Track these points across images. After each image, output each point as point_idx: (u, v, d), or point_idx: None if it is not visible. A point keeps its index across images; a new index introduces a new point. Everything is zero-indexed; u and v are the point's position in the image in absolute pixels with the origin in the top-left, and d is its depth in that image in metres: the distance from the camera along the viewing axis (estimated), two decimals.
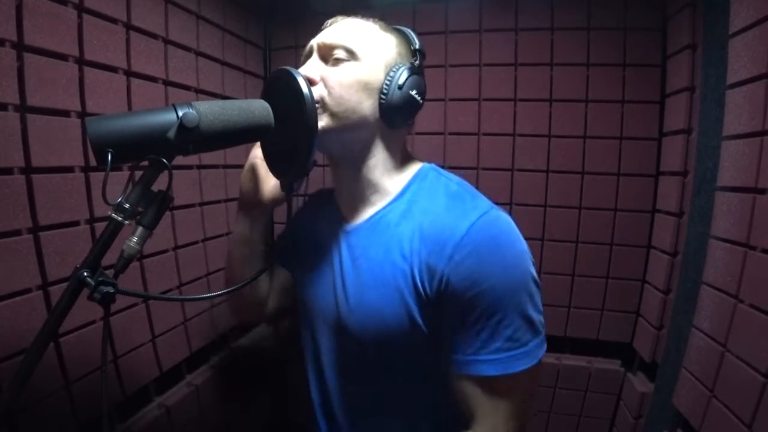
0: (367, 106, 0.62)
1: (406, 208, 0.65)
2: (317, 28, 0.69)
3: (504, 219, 0.60)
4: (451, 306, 0.57)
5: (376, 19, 0.67)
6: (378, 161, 0.67)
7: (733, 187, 0.87)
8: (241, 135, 0.57)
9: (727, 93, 0.90)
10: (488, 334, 0.56)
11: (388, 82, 0.62)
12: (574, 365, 1.38)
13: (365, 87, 0.62)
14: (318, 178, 1.51)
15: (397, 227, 0.63)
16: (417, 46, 0.67)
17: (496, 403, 0.58)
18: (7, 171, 0.72)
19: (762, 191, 0.79)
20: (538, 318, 0.59)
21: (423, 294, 0.59)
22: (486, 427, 0.59)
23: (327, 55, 0.64)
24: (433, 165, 0.71)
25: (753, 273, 0.80)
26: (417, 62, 0.65)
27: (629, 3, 1.22)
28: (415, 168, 0.70)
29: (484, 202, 0.62)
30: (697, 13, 1.07)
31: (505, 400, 0.58)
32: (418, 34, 0.69)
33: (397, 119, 0.64)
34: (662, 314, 1.18)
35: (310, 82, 0.61)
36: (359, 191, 0.68)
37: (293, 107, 0.58)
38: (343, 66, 0.62)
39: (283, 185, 0.67)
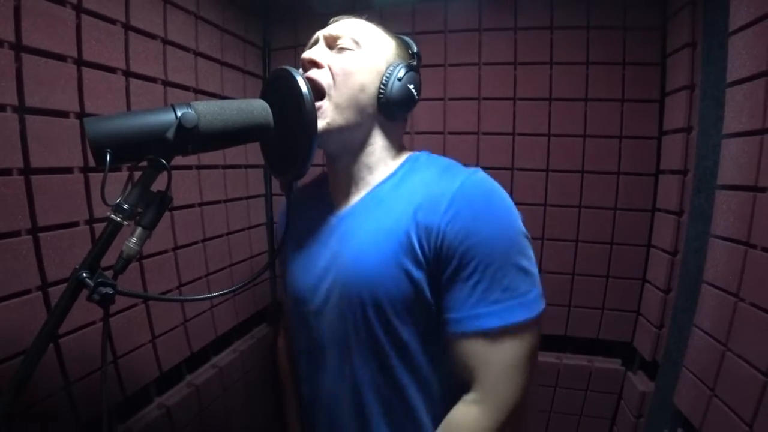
0: (367, 96, 0.65)
1: (398, 183, 0.68)
2: (317, 29, 0.71)
3: (491, 179, 0.64)
4: (449, 261, 0.59)
5: (378, 24, 0.71)
6: (375, 149, 0.70)
7: (733, 186, 0.87)
8: (241, 135, 0.57)
9: (726, 91, 0.90)
10: (485, 286, 0.58)
11: (387, 75, 0.65)
12: (575, 364, 1.38)
13: (367, 75, 0.65)
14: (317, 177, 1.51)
15: (390, 199, 0.66)
16: (415, 50, 0.71)
17: (498, 358, 0.58)
18: (6, 172, 0.72)
19: (762, 190, 0.79)
20: (532, 269, 0.61)
21: (421, 256, 0.60)
22: (489, 384, 0.59)
23: (332, 44, 0.67)
24: (425, 151, 0.74)
25: (753, 271, 0.80)
26: (414, 63, 0.69)
27: (629, 2, 1.22)
28: (408, 154, 0.73)
29: (474, 168, 0.65)
30: (697, 11, 1.07)
31: (507, 355, 0.58)
32: (418, 34, 0.71)
33: (395, 111, 0.67)
34: (663, 313, 1.18)
35: (316, 65, 0.64)
36: (355, 174, 0.70)
37: (293, 107, 0.58)
38: (347, 53, 0.65)
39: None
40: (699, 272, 0.98)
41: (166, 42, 1.06)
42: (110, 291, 0.47)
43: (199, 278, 1.21)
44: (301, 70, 0.66)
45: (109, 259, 0.49)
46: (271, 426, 1.57)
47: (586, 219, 1.32)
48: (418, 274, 0.61)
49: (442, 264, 0.59)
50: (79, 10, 0.83)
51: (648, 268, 1.29)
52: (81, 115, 0.84)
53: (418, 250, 0.60)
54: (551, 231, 1.34)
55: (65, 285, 0.48)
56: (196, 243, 1.19)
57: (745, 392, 0.78)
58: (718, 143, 0.93)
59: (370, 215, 0.67)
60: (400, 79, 0.65)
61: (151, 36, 1.02)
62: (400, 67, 0.65)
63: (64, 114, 0.81)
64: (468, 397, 0.61)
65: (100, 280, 0.47)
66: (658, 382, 1.17)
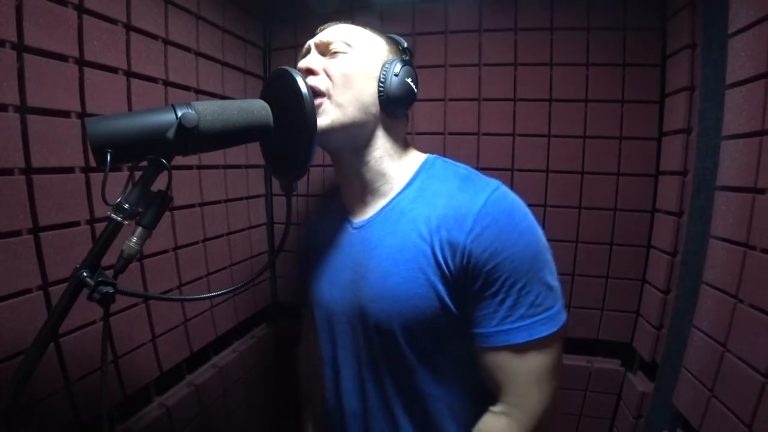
0: (368, 95, 0.65)
1: (418, 194, 0.67)
2: (317, 28, 0.71)
3: (513, 194, 0.64)
4: (475, 279, 0.59)
5: (371, 26, 0.71)
6: (383, 152, 0.69)
7: (733, 187, 0.87)
8: (241, 135, 0.57)
9: (726, 93, 0.90)
10: (512, 302, 0.58)
11: (384, 73, 0.65)
12: (574, 365, 1.38)
13: (365, 75, 0.65)
14: (318, 179, 1.51)
15: (411, 212, 0.66)
16: (405, 45, 0.72)
17: (525, 370, 0.60)
18: (8, 171, 0.73)
19: (761, 191, 0.79)
20: (556, 284, 0.62)
21: (447, 271, 0.61)
22: (516, 395, 0.60)
23: (325, 50, 0.67)
24: (437, 155, 0.74)
25: (753, 273, 0.80)
26: (407, 58, 0.70)
27: (629, 3, 1.22)
28: (420, 158, 0.73)
29: (493, 180, 0.66)
30: (697, 12, 1.07)
31: (534, 367, 0.60)
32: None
33: (396, 108, 0.67)
34: (662, 314, 1.18)
35: (312, 72, 0.64)
36: (368, 183, 0.70)
37: (293, 107, 0.58)
38: (342, 57, 0.65)
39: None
40: (698, 273, 0.98)
41: (167, 42, 1.06)
42: (110, 290, 0.47)
43: (200, 278, 1.21)
44: None
45: (110, 258, 0.49)
46: (272, 426, 1.57)
47: (586, 220, 1.32)
48: (443, 289, 0.61)
49: (468, 280, 0.60)
50: (80, 10, 0.83)
51: (647, 269, 1.29)
52: (82, 115, 0.84)
53: (443, 265, 0.61)
54: (551, 232, 1.34)
55: (66, 284, 0.49)
56: (196, 243, 1.20)
57: (744, 393, 0.78)
58: (718, 144, 0.93)
59: (393, 229, 0.66)
60: (397, 75, 0.65)
61: (153, 36, 1.02)
62: (395, 63, 0.66)
63: (65, 114, 0.81)
64: (496, 408, 0.62)
65: (100, 279, 0.48)
66: (658, 382, 1.17)
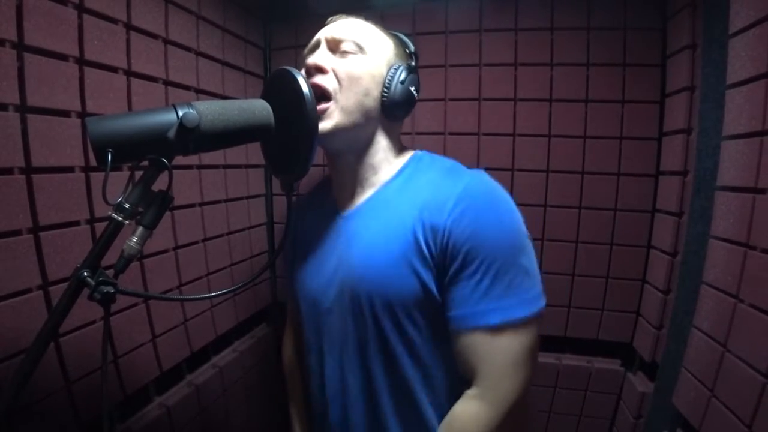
0: (372, 99, 0.66)
1: (404, 185, 0.69)
2: (317, 28, 0.71)
3: (494, 181, 0.65)
4: (453, 259, 0.60)
5: (376, 23, 0.72)
6: (379, 149, 0.71)
7: (733, 187, 0.87)
8: (242, 135, 0.57)
9: (726, 93, 0.90)
10: (488, 283, 0.59)
11: (390, 78, 0.66)
12: (574, 365, 1.38)
13: (371, 80, 0.65)
14: (318, 178, 1.51)
15: (396, 200, 0.67)
16: (412, 50, 0.72)
17: (498, 353, 0.60)
18: (8, 171, 0.73)
19: (762, 191, 0.79)
20: (533, 269, 0.62)
21: (429, 256, 0.62)
22: (489, 380, 0.60)
23: (335, 48, 0.67)
24: (426, 150, 0.75)
25: (753, 273, 0.80)
26: (413, 63, 0.70)
27: (629, 3, 1.22)
28: (410, 153, 0.75)
29: (477, 170, 0.67)
30: (697, 13, 1.07)
31: (508, 350, 0.59)
32: (418, 34, 0.72)
33: (397, 113, 0.68)
34: (662, 314, 1.18)
35: (321, 71, 0.65)
36: (360, 175, 0.71)
37: (294, 107, 0.58)
38: (351, 57, 0.66)
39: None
40: (698, 273, 0.98)
41: (167, 42, 1.06)
42: (111, 290, 0.47)
43: (200, 278, 1.21)
44: (304, 72, 0.66)
45: (110, 258, 0.49)
46: (271, 426, 1.57)
47: (586, 220, 1.32)
48: (426, 274, 0.62)
49: (447, 262, 0.61)
50: (81, 9, 0.83)
51: (648, 269, 1.29)
52: (82, 115, 0.84)
53: (425, 250, 0.62)
54: (551, 232, 1.35)
55: (66, 284, 0.49)
56: (196, 243, 1.20)
57: (744, 393, 0.78)
58: (718, 145, 0.93)
59: (377, 216, 0.68)
60: (402, 82, 0.66)
61: (153, 36, 1.02)
62: (401, 69, 0.66)
63: (65, 113, 0.81)
64: (470, 392, 0.62)
65: (101, 279, 0.48)
66: (658, 382, 1.17)
